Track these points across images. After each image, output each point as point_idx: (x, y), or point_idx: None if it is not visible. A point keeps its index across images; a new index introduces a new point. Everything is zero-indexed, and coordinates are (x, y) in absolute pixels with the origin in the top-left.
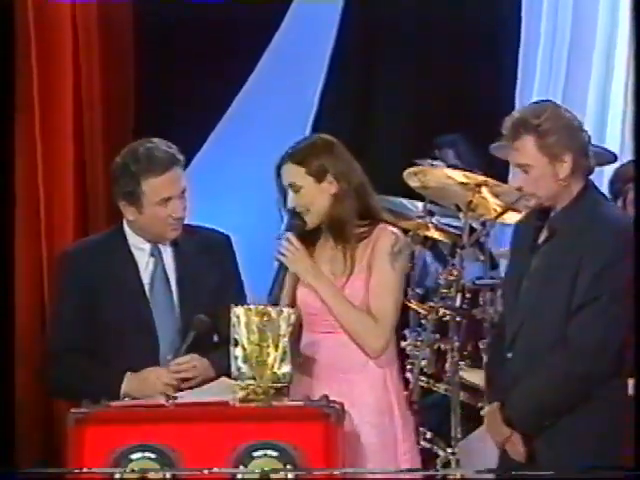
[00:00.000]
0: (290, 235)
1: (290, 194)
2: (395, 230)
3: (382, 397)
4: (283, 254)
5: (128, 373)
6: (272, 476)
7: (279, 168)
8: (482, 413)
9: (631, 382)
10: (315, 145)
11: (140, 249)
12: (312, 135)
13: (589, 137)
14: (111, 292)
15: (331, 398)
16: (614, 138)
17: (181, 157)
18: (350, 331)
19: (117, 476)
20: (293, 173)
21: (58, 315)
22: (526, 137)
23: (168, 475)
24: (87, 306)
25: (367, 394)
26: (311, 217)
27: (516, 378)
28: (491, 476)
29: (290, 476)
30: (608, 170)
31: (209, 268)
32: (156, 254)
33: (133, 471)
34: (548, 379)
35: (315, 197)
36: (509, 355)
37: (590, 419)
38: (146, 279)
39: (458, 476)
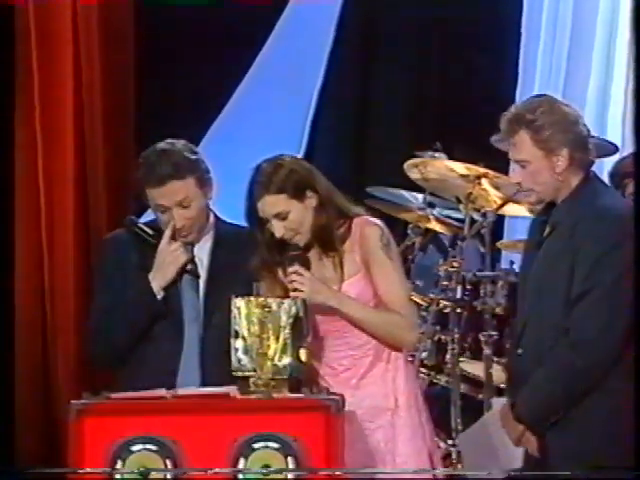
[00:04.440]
0: (297, 267)
1: (275, 224)
2: (373, 220)
3: (414, 386)
4: (299, 290)
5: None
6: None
7: (252, 205)
8: (488, 412)
9: None
10: (284, 167)
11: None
12: (272, 159)
13: (588, 130)
14: (132, 276)
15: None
16: (614, 135)
17: (188, 169)
18: (384, 336)
19: (117, 476)
20: (275, 203)
21: (94, 298)
22: (522, 133)
23: (169, 475)
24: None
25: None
26: (301, 237)
27: (525, 374)
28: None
29: (290, 476)
30: (608, 162)
31: (242, 268)
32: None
33: (133, 472)
34: (551, 372)
35: (304, 217)
36: (519, 352)
37: (598, 411)
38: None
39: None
